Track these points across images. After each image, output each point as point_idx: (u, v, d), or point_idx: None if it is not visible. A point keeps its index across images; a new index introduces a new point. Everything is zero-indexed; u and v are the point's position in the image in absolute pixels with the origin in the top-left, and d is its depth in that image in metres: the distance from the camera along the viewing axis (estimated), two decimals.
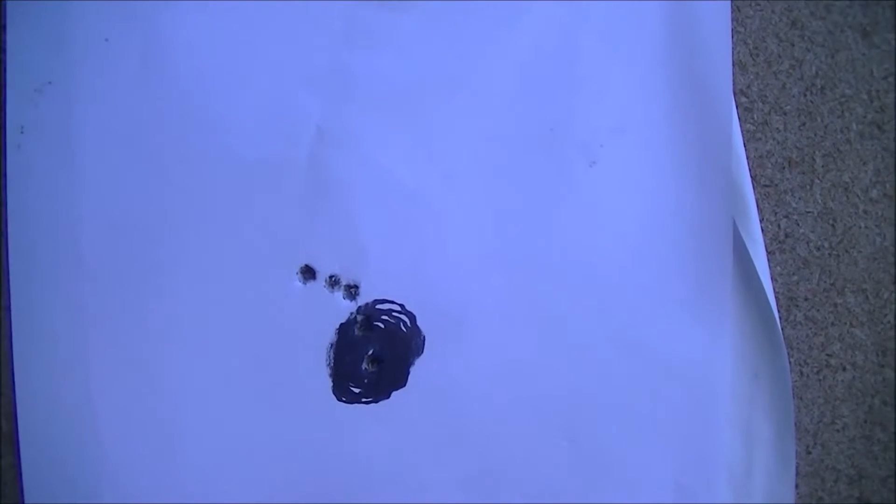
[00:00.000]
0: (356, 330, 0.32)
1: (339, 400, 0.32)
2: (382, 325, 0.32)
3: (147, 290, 0.31)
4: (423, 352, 0.32)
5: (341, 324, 0.32)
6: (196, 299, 0.31)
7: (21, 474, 0.32)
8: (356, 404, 0.32)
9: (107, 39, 0.31)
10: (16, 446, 0.32)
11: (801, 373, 0.34)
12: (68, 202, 0.32)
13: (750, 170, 0.32)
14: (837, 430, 0.34)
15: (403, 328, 0.32)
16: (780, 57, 0.33)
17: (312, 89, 0.32)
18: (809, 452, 0.34)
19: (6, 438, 0.32)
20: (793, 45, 0.33)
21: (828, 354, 0.34)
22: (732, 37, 0.31)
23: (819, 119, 0.33)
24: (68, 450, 0.31)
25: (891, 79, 0.33)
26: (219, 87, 0.32)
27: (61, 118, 0.32)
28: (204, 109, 0.32)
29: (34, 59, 0.32)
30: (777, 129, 0.33)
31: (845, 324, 0.34)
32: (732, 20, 0.31)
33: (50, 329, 0.31)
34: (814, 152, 0.33)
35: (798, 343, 0.34)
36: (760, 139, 0.33)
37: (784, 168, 0.33)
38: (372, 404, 0.32)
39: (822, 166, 0.33)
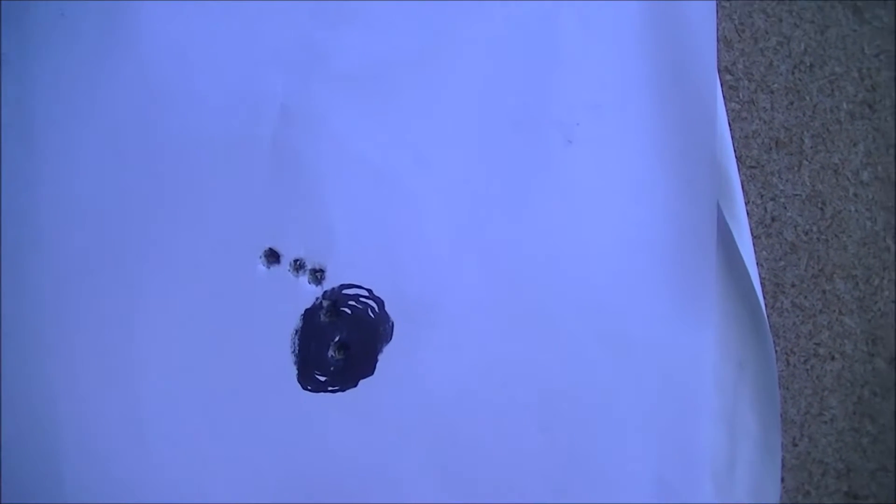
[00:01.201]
0: (322, 316, 0.30)
1: (305, 388, 0.30)
2: (349, 311, 0.30)
3: (106, 273, 0.30)
4: (391, 339, 0.30)
5: (306, 309, 0.30)
6: (155, 283, 0.30)
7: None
8: (322, 393, 0.30)
9: (63, 14, 0.30)
10: None
11: (788, 362, 0.33)
12: (24, 181, 0.30)
13: (735, 150, 0.31)
14: (825, 422, 0.33)
15: (371, 314, 0.30)
16: (767, 33, 0.32)
17: (277, 66, 0.30)
18: (796, 445, 0.33)
19: None
20: (780, 20, 0.32)
21: (816, 343, 0.32)
22: (717, 12, 0.30)
23: (808, 98, 0.32)
24: (25, 430, 0.30)
25: (882, 56, 0.32)
26: (180, 64, 0.30)
27: (16, 95, 0.31)
28: (164, 86, 0.30)
29: None
30: (764, 108, 0.32)
31: (834, 311, 0.32)
32: None
33: (7, 315, 0.30)
34: (802, 132, 0.32)
35: (785, 331, 0.32)
36: (746, 119, 0.32)
37: (771, 149, 0.32)
38: (338, 393, 0.30)
39: (811, 147, 0.32)
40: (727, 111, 0.31)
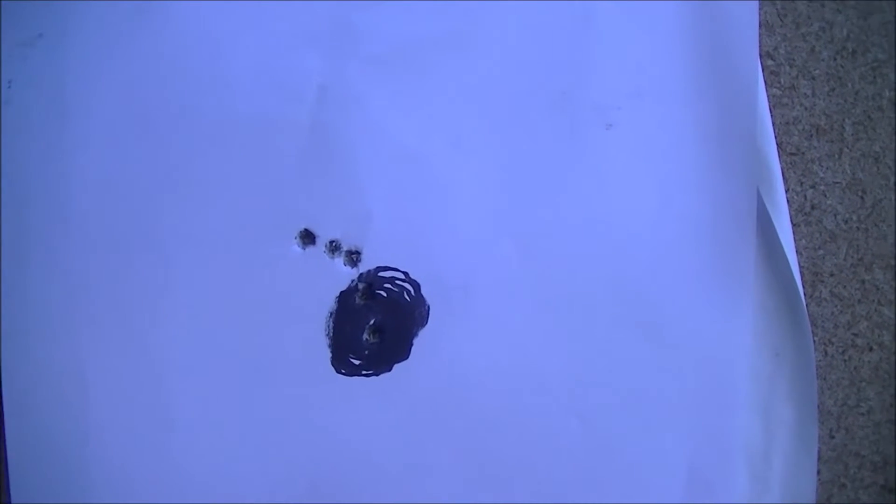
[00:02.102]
0: (357, 298, 0.30)
1: (339, 372, 0.30)
2: (385, 294, 0.30)
3: (138, 252, 0.30)
4: (426, 322, 0.30)
5: (341, 291, 0.30)
6: (190, 263, 0.30)
7: (6, 448, 0.30)
8: (356, 377, 0.30)
9: None
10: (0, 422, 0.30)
11: (826, 352, 0.32)
12: (58, 161, 0.30)
13: (776, 137, 0.30)
14: (862, 414, 0.32)
15: (407, 297, 0.30)
16: (809, 18, 0.31)
17: (314, 47, 0.30)
18: (832, 437, 0.32)
19: None
20: (823, 5, 0.32)
21: (854, 333, 0.32)
22: None
23: (849, 85, 0.32)
24: (56, 414, 0.30)
25: None
26: (217, 43, 0.30)
27: (52, 73, 0.30)
28: (201, 66, 0.30)
29: (24, 11, 0.30)
30: (805, 94, 0.32)
31: (873, 301, 0.32)
32: None
33: (39, 293, 0.30)
34: (843, 120, 0.32)
35: (822, 321, 0.32)
36: (787, 105, 0.32)
37: (811, 136, 0.32)
38: (372, 377, 0.30)
39: (852, 135, 0.32)
40: (768, 97, 0.31)
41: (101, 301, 0.30)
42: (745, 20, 0.30)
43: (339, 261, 0.30)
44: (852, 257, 0.32)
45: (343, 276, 0.30)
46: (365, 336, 0.30)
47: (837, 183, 0.32)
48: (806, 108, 0.32)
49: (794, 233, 0.31)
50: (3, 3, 0.30)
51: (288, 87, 0.30)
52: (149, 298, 0.30)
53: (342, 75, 0.30)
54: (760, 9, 0.30)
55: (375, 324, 0.30)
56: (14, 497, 0.30)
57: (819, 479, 0.32)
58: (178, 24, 0.30)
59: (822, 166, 0.32)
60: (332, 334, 0.30)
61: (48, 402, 0.30)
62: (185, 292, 0.30)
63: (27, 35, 0.30)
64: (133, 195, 0.30)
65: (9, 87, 0.30)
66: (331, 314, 0.30)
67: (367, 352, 0.30)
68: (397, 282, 0.30)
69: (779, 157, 0.30)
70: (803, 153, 0.32)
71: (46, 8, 0.30)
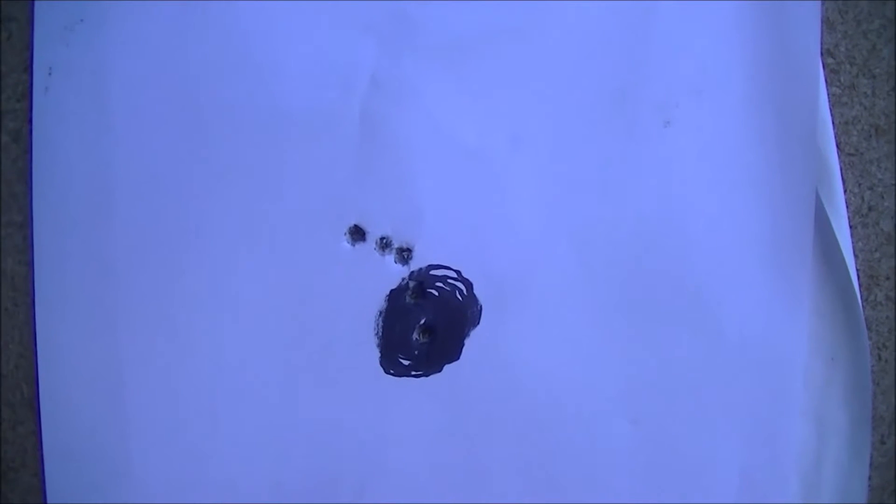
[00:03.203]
0: (408, 297, 0.29)
1: (388, 372, 0.29)
2: (436, 293, 0.29)
3: (182, 245, 0.29)
4: (479, 323, 0.29)
5: (392, 290, 0.29)
6: (235, 258, 0.29)
7: (41, 446, 0.29)
8: (405, 377, 0.29)
9: None
10: (36, 412, 0.29)
11: (880, 357, 0.31)
12: (99, 150, 0.29)
13: (835, 137, 0.30)
14: None
15: (459, 297, 0.29)
16: (870, 15, 0.31)
17: (369, 36, 0.29)
18: (884, 442, 0.32)
19: (27, 403, 0.30)
20: (885, 3, 0.31)
21: None
22: None
23: None
24: (93, 408, 0.29)
25: None
26: (265, 29, 0.29)
27: (93, 59, 0.29)
28: (248, 53, 0.29)
29: None
30: (865, 93, 0.31)
31: None
32: None
33: (76, 286, 0.29)
34: None
35: (878, 325, 0.31)
36: (847, 104, 0.31)
37: (870, 136, 0.31)
38: (422, 378, 0.29)
39: None
40: (828, 96, 0.30)
41: (143, 297, 0.29)
42: (808, 18, 0.29)
43: (390, 258, 0.29)
44: None
45: (393, 273, 0.29)
46: (415, 336, 0.30)
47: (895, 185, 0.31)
48: (865, 108, 0.31)
49: (851, 235, 0.30)
50: None
51: (341, 77, 0.29)
52: (189, 296, 0.29)
53: (397, 67, 0.29)
54: (822, 5, 0.29)
55: (426, 323, 0.29)
56: (50, 498, 0.29)
57: (870, 485, 0.31)
58: (227, 10, 0.29)
59: (880, 167, 0.31)
60: (381, 333, 0.29)
61: (85, 401, 0.29)
62: (231, 288, 0.29)
63: (68, 20, 0.29)
64: (177, 188, 0.29)
65: (49, 73, 0.29)
66: (380, 313, 0.29)
67: (416, 352, 0.29)
68: (449, 280, 0.29)
69: (838, 157, 0.30)
70: (862, 154, 0.31)
71: None
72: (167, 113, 0.29)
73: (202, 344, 0.29)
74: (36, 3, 0.29)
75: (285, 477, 0.29)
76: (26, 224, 0.30)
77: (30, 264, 0.29)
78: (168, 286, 0.29)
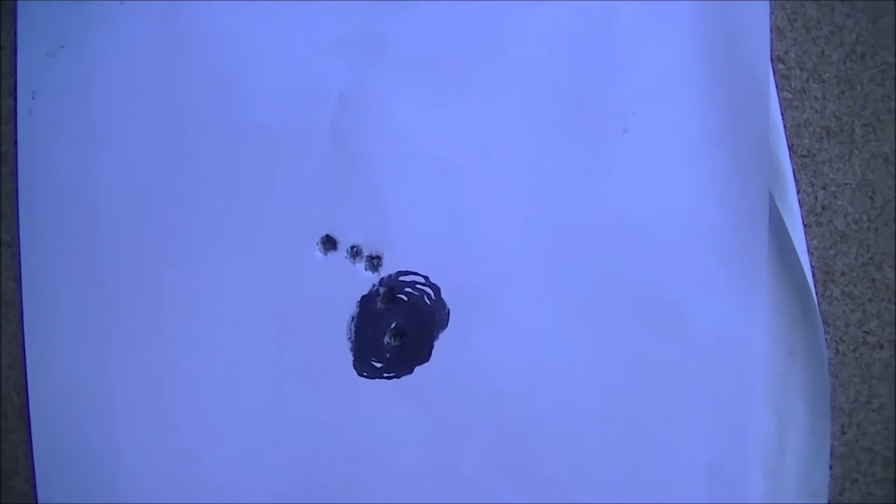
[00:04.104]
0: (378, 302, 0.31)
1: (361, 375, 0.31)
2: (406, 298, 0.31)
3: (164, 258, 0.30)
4: (447, 325, 0.30)
5: (363, 296, 0.31)
6: (215, 269, 0.30)
7: (32, 453, 0.31)
8: (378, 379, 0.31)
9: (123, 0, 0.30)
10: (27, 422, 0.31)
11: (838, 350, 0.33)
12: (83, 171, 0.31)
13: (787, 139, 0.31)
14: (874, 410, 0.33)
15: (427, 301, 0.30)
16: (819, 22, 0.32)
17: (338, 54, 0.31)
18: (844, 433, 0.33)
19: (17, 412, 0.31)
20: (832, 10, 0.32)
21: (865, 331, 0.33)
22: (770, 1, 0.30)
23: (859, 87, 0.32)
24: (82, 418, 0.31)
25: None
26: (240, 51, 0.31)
27: (76, 83, 0.31)
28: (224, 73, 0.31)
29: (47, 21, 0.31)
30: (815, 97, 0.32)
31: (883, 300, 0.32)
32: None
33: (64, 302, 0.31)
34: (853, 122, 0.32)
35: (834, 320, 0.33)
36: (798, 108, 0.32)
37: (822, 138, 0.32)
38: (394, 379, 0.31)
39: (862, 136, 0.32)
40: (779, 100, 0.31)
41: (125, 307, 0.30)
42: (756, 22, 0.30)
43: (361, 266, 0.31)
44: (863, 256, 0.32)
45: (364, 280, 0.31)
46: (386, 339, 0.31)
47: (848, 184, 0.32)
48: (816, 111, 0.32)
49: (805, 233, 0.31)
50: (25, 12, 0.31)
51: (311, 93, 0.30)
52: (172, 305, 0.31)
53: (366, 82, 0.31)
54: (771, 13, 0.31)
55: (397, 327, 0.31)
56: (41, 498, 0.31)
57: (832, 475, 0.32)
58: (203, 32, 0.30)
59: (832, 168, 0.32)
60: (353, 338, 0.31)
61: (73, 407, 0.31)
62: (208, 299, 0.30)
63: (50, 45, 0.31)
64: (159, 203, 0.30)
65: (32, 98, 0.30)
66: (352, 318, 0.30)
67: (388, 355, 0.31)
68: (418, 286, 0.30)
69: (790, 159, 0.31)
70: (814, 155, 0.32)
71: (68, 18, 0.31)
72: (148, 132, 0.31)
73: (184, 352, 0.30)
74: (19, 30, 0.31)
75: (264, 479, 0.31)
76: (14, 242, 0.31)
77: (18, 280, 0.31)
78: (151, 298, 0.30)
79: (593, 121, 0.30)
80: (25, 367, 0.30)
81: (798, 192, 0.31)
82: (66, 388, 0.31)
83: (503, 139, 0.31)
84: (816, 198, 0.32)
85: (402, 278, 0.30)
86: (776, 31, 0.32)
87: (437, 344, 0.31)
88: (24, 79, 0.31)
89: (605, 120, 0.30)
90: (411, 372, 0.31)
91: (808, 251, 0.31)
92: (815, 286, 0.32)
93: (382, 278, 0.31)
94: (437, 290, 0.30)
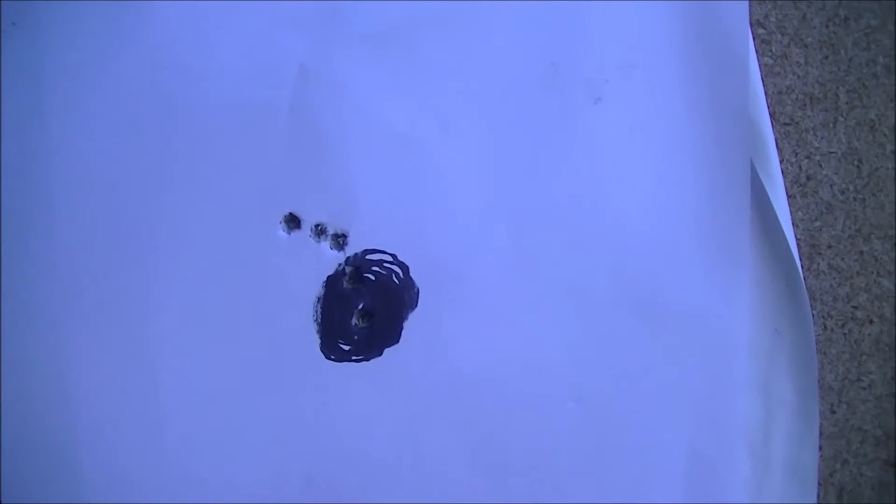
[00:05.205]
0: (345, 282, 0.30)
1: (328, 358, 0.30)
2: (373, 277, 0.29)
3: (122, 245, 0.29)
4: (416, 305, 0.29)
5: (329, 276, 0.29)
6: (174, 253, 0.29)
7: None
8: (346, 362, 0.30)
9: None
10: None
11: (825, 326, 0.31)
12: (36, 152, 0.30)
13: (769, 107, 0.30)
14: (864, 388, 0.32)
15: (396, 280, 0.29)
16: None
17: (296, 28, 0.29)
18: (834, 412, 0.32)
19: None
20: None
21: (853, 306, 0.31)
22: None
23: (843, 52, 0.31)
24: (44, 412, 0.30)
25: None
26: (197, 28, 0.29)
27: (27, 61, 0.30)
28: (181, 51, 0.29)
29: None
30: (797, 62, 0.31)
31: (872, 273, 0.31)
32: None
33: (21, 292, 0.30)
34: (837, 88, 0.31)
35: (821, 294, 0.31)
36: (779, 74, 0.31)
37: (805, 105, 0.31)
38: (363, 362, 0.30)
39: (846, 103, 0.31)
40: (760, 66, 0.30)
41: (86, 296, 0.29)
42: None
43: (326, 245, 0.30)
44: (850, 228, 0.31)
45: (330, 260, 0.30)
46: (354, 321, 0.30)
47: (833, 153, 0.31)
48: (799, 77, 0.31)
49: (789, 205, 0.30)
50: None
51: (269, 70, 0.29)
52: (134, 291, 0.30)
53: (325, 56, 0.29)
54: None
55: (364, 308, 0.30)
56: (5, 497, 0.30)
57: (821, 456, 0.31)
58: (159, 10, 0.29)
59: (816, 136, 0.31)
60: (320, 320, 0.29)
61: (36, 401, 0.30)
62: (170, 283, 0.29)
63: (1, 23, 0.30)
64: (114, 188, 0.29)
65: None
66: (318, 299, 0.29)
67: (356, 337, 0.30)
68: (385, 265, 0.29)
69: (772, 127, 0.30)
70: (797, 123, 0.31)
71: None
72: (101, 112, 0.29)
73: (144, 340, 0.29)
74: None
75: (233, 468, 0.30)
76: None
77: None
78: (108, 283, 0.29)
79: (563, 90, 0.29)
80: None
81: (781, 162, 0.30)
82: (24, 380, 0.30)
83: (470, 111, 0.29)
84: (800, 167, 0.31)
85: (368, 257, 0.29)
86: None
87: (406, 325, 0.29)
88: None
89: (577, 89, 0.29)
90: (381, 354, 0.30)
91: (793, 223, 0.30)
92: (801, 260, 0.30)
93: (349, 257, 0.29)
94: (405, 268, 0.29)
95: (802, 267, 0.30)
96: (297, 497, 0.30)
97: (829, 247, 0.31)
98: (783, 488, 0.30)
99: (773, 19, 0.31)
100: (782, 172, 0.30)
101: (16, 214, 0.29)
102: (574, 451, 0.30)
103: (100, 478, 0.30)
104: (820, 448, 0.31)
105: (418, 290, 0.29)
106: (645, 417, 0.30)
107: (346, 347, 0.30)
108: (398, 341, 0.30)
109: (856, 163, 0.31)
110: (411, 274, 0.29)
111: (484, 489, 0.30)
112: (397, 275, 0.29)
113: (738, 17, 0.29)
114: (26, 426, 0.30)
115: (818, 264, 0.31)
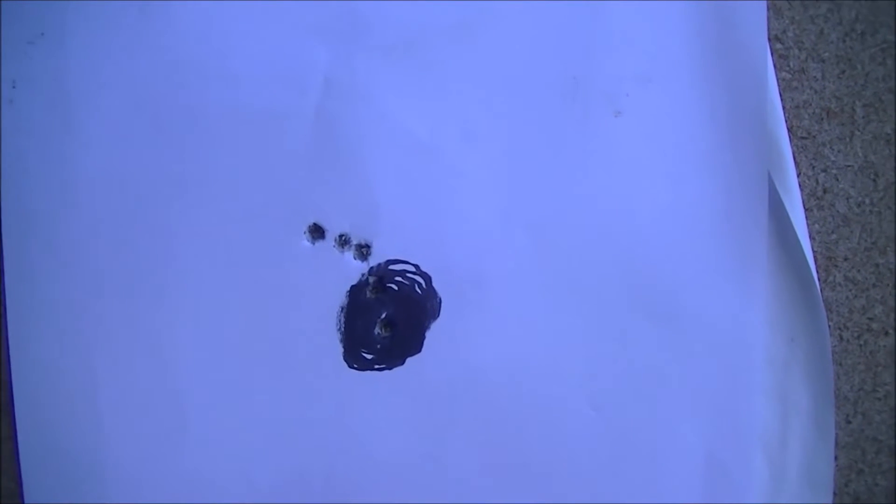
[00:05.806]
0: (368, 292, 0.30)
1: (351, 367, 0.30)
2: (396, 287, 0.30)
3: (146, 250, 0.30)
4: (439, 315, 0.30)
5: (352, 286, 0.30)
6: (198, 260, 0.30)
7: (17, 447, 0.30)
8: (368, 371, 0.30)
9: None
10: (11, 417, 0.30)
11: (841, 337, 0.32)
12: (65, 160, 0.30)
13: (786, 121, 0.30)
14: (879, 399, 0.32)
15: (418, 290, 0.30)
16: (817, 0, 0.31)
17: (320, 38, 0.30)
18: (849, 422, 0.32)
19: (2, 409, 0.31)
20: None
21: (869, 318, 0.32)
22: None
23: (859, 67, 0.31)
24: (67, 414, 0.30)
25: None
26: (222, 36, 0.30)
27: (56, 71, 0.30)
28: (206, 60, 0.30)
29: (26, 8, 0.30)
30: (815, 77, 0.31)
31: (887, 285, 0.32)
32: None
33: (47, 295, 0.30)
34: (854, 102, 0.31)
35: (837, 306, 0.32)
36: (797, 88, 0.31)
37: (822, 119, 0.31)
38: (385, 371, 0.30)
39: (863, 117, 0.31)
40: (778, 81, 0.30)
41: (110, 300, 0.30)
42: (754, 3, 0.29)
43: (349, 255, 0.30)
44: (866, 241, 0.32)
45: (353, 270, 0.30)
46: (377, 330, 0.30)
47: (849, 166, 0.32)
48: (816, 92, 0.31)
49: (806, 217, 0.31)
50: (4, 1, 0.30)
51: (293, 79, 0.30)
52: (158, 297, 0.30)
53: (349, 66, 0.30)
54: None
55: (387, 317, 0.30)
56: (27, 498, 0.30)
57: (836, 465, 0.32)
58: (183, 18, 0.30)
59: (833, 150, 0.31)
60: (343, 329, 0.30)
61: (58, 403, 0.30)
62: (194, 289, 0.30)
63: (30, 34, 0.30)
64: (140, 192, 0.30)
65: (13, 86, 0.30)
66: (342, 309, 0.30)
67: (379, 346, 0.30)
68: (408, 275, 0.30)
69: (790, 141, 0.30)
70: (814, 136, 0.31)
71: (48, 4, 0.30)
72: (128, 120, 0.30)
73: (170, 345, 0.30)
74: (3, 17, 0.30)
75: (255, 472, 0.30)
76: None
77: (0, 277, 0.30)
78: (134, 289, 0.30)
79: (584, 103, 0.30)
80: (10, 364, 0.30)
81: (798, 175, 0.31)
82: (50, 384, 0.30)
83: (492, 122, 0.30)
84: (817, 181, 0.32)
85: (391, 267, 0.30)
86: (773, 10, 0.31)
87: (428, 334, 0.30)
88: (4, 67, 0.30)
89: (597, 102, 0.30)
90: (403, 363, 0.30)
91: (810, 235, 0.31)
92: (817, 272, 0.31)
93: (372, 267, 0.30)
94: (427, 278, 0.30)
95: (819, 279, 0.31)
96: (317, 499, 0.30)
97: (846, 259, 0.32)
98: (799, 495, 0.31)
99: (790, 35, 0.31)
100: (799, 185, 0.30)
101: (43, 221, 0.30)
102: (592, 457, 0.30)
103: (122, 479, 0.30)
104: (835, 458, 0.31)
105: (441, 299, 0.30)
106: (663, 423, 0.30)
107: (369, 356, 0.30)
108: (420, 350, 0.30)
109: (872, 176, 0.31)
110: (434, 284, 0.30)
111: (502, 495, 0.30)
112: (420, 285, 0.30)
113: (756, 31, 0.29)
114: (48, 429, 0.30)
115: (834, 276, 0.32)
